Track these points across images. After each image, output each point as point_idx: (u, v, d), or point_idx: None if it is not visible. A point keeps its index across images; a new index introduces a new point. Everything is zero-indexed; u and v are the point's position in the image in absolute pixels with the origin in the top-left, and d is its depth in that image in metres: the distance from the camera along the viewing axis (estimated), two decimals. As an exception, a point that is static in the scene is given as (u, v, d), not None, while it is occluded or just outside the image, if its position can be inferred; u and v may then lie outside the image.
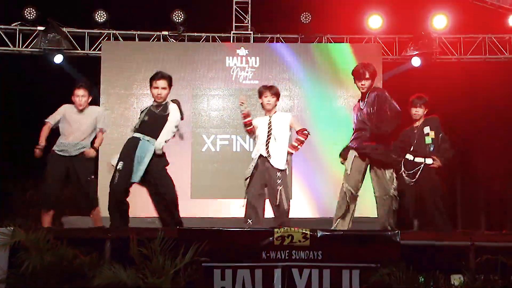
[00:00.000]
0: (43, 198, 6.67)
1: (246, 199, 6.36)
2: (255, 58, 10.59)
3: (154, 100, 6.10)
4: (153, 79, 6.08)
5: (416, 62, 10.57)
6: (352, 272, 4.83)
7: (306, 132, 6.50)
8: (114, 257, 4.75)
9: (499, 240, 5.09)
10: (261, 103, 6.57)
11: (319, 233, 4.89)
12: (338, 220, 6.07)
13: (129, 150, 5.92)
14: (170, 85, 6.12)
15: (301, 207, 9.96)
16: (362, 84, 6.16)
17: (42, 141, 6.64)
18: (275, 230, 4.92)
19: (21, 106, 10.16)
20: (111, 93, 10.34)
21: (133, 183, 5.90)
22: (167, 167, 6.07)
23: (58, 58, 10.31)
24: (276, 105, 6.58)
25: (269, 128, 6.46)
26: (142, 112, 6.17)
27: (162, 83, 6.05)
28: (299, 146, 6.47)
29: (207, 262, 4.71)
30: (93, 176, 6.68)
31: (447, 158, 6.82)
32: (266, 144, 6.41)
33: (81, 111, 6.71)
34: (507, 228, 9.84)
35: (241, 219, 6.44)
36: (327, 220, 6.70)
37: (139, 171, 5.86)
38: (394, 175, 6.03)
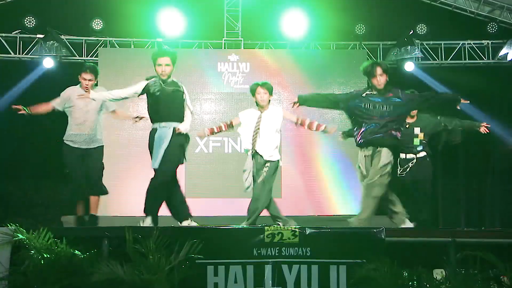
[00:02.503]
0: (73, 190, 6.80)
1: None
2: (246, 63, 10.78)
3: (160, 78, 6.05)
4: (156, 55, 6.05)
5: (409, 67, 10.83)
6: (339, 267, 4.95)
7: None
8: (111, 254, 4.83)
9: (478, 237, 5.20)
10: (255, 101, 6.60)
11: (308, 231, 5.00)
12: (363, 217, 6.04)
13: (150, 143, 6.01)
14: (174, 61, 6.09)
15: (292, 205, 10.16)
16: (378, 81, 6.06)
17: (29, 110, 6.77)
18: (266, 228, 5.02)
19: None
20: (107, 98, 10.50)
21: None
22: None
23: (48, 63, 10.46)
24: (269, 100, 6.58)
25: (257, 124, 6.54)
26: (148, 95, 6.10)
27: (165, 60, 6.03)
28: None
29: (201, 259, 4.78)
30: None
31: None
32: (253, 140, 6.52)
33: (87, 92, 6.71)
34: (486, 225, 10.05)
35: (232, 217, 6.57)
36: (316, 218, 6.87)
37: (158, 156, 5.90)
38: (386, 167, 6.01)
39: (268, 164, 6.48)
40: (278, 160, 6.62)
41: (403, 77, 10.58)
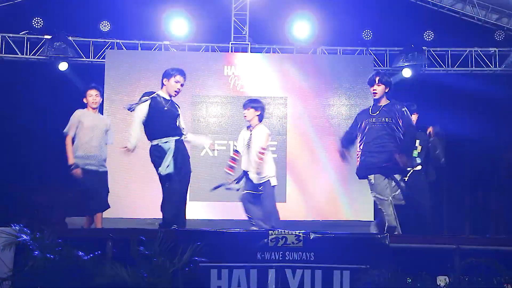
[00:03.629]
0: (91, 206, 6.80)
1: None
2: (252, 67, 10.77)
3: (167, 93, 6.11)
4: (176, 72, 6.11)
5: (406, 73, 10.83)
6: (343, 273, 4.93)
7: (261, 152, 6.58)
8: (115, 256, 4.86)
9: (483, 244, 5.18)
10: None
11: (312, 235, 5.02)
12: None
13: (160, 156, 6.01)
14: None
15: (296, 210, 10.18)
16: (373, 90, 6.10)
17: (71, 159, 6.74)
18: (270, 232, 5.03)
19: (27, 111, 10.34)
20: (114, 100, 10.48)
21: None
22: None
23: (63, 66, 10.51)
24: (253, 117, 6.64)
25: (248, 141, 6.61)
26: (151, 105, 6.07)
27: (182, 79, 6.13)
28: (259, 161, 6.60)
29: (204, 262, 4.82)
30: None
31: (438, 167, 7.09)
32: (247, 159, 6.59)
33: (95, 112, 6.89)
34: (490, 232, 10.02)
35: (237, 221, 6.57)
36: (321, 223, 6.85)
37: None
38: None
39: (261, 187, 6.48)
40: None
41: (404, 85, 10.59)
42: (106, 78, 10.53)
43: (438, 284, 4.83)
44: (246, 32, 11.02)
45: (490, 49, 11.00)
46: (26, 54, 10.74)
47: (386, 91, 6.09)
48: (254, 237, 5.07)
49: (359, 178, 6.11)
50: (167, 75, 6.12)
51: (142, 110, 5.97)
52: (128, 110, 6.06)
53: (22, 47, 10.71)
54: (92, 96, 6.88)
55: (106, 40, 10.90)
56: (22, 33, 10.71)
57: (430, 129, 7.31)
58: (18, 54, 10.72)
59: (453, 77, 11.01)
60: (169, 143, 5.97)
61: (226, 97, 10.81)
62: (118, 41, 10.95)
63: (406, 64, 10.79)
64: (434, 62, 11.05)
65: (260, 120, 6.74)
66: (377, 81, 6.05)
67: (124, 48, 11.02)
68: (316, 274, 4.96)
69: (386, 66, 11.10)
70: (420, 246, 5.18)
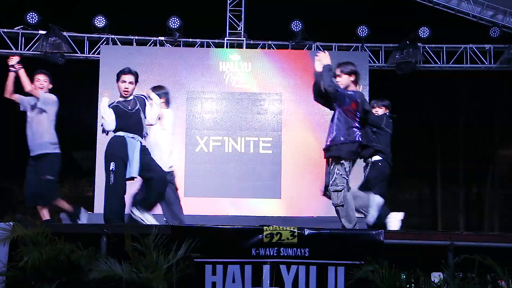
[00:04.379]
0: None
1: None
2: (247, 63, 10.80)
3: (121, 96, 6.11)
4: (121, 73, 6.07)
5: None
6: (338, 269, 4.95)
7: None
8: (110, 252, 4.82)
9: (476, 240, 5.17)
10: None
11: (306, 232, 5.00)
12: None
13: (117, 149, 5.88)
14: (136, 81, 6.11)
15: (291, 206, 10.19)
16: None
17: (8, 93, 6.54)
18: (264, 228, 5.00)
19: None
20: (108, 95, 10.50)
21: (132, 178, 5.90)
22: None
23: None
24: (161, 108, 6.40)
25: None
26: (114, 111, 6.07)
27: (129, 77, 6.05)
28: None
29: (199, 258, 4.80)
30: (51, 177, 6.42)
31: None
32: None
33: (37, 98, 6.49)
34: (485, 229, 10.07)
35: (232, 217, 6.56)
36: (315, 219, 6.84)
37: (134, 165, 5.82)
38: None
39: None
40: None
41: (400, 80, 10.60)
42: (101, 73, 10.52)
43: (433, 280, 4.84)
44: (241, 28, 11.02)
45: (485, 45, 11.04)
46: (21, 50, 10.72)
47: (352, 79, 6.17)
48: (249, 233, 5.04)
49: None
50: (117, 79, 6.12)
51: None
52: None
53: (17, 42, 10.70)
54: (40, 81, 6.56)
55: (101, 36, 10.89)
56: (16, 28, 10.70)
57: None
58: (12, 49, 10.68)
59: (448, 73, 11.05)
60: (135, 140, 5.93)
61: (221, 93, 10.82)
62: (113, 36, 10.93)
63: (402, 61, 10.82)
64: (429, 59, 11.09)
65: (168, 106, 6.57)
66: (338, 73, 6.14)
67: (119, 43, 11.00)
68: (311, 270, 4.96)
69: (382, 62, 11.12)
70: (415, 242, 5.18)
